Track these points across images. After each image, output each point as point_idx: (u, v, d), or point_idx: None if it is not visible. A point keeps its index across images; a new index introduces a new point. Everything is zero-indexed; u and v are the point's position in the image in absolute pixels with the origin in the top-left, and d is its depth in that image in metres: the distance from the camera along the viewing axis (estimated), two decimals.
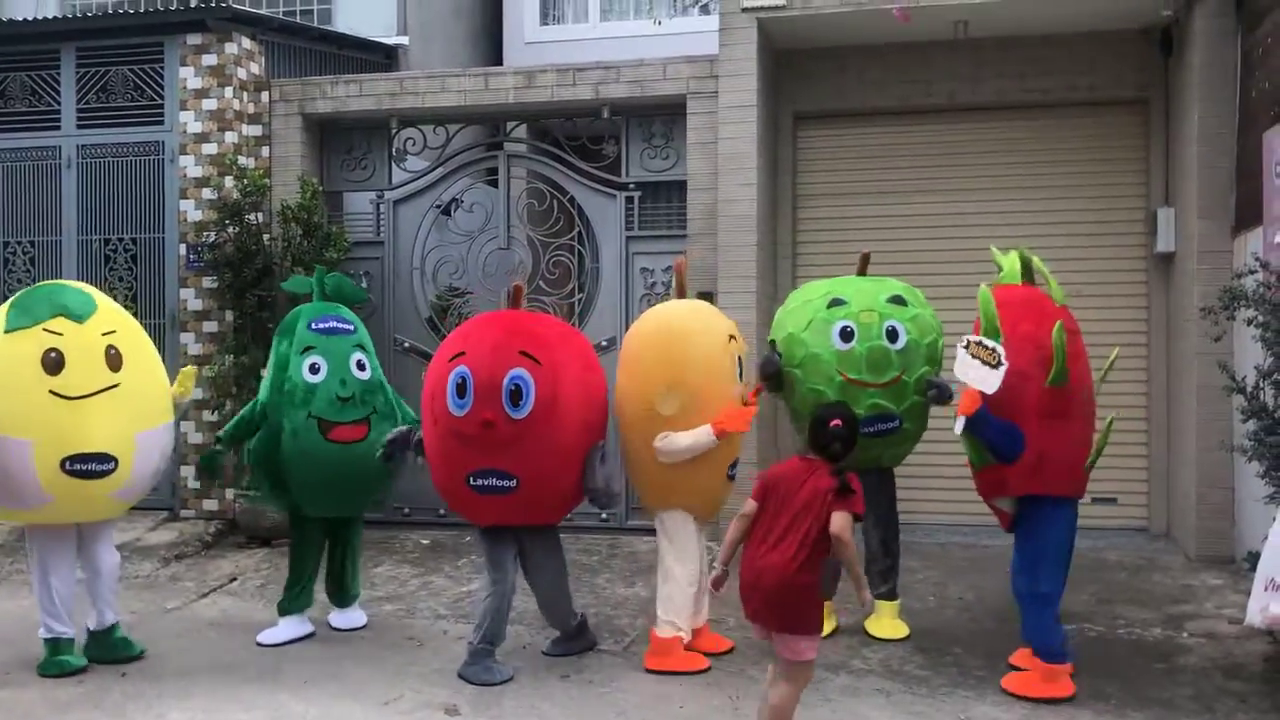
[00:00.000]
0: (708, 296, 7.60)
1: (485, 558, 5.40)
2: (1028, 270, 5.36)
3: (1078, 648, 5.29)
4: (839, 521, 3.96)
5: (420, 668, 5.41)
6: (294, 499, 5.91)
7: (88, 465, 5.11)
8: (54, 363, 5.08)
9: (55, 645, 5.40)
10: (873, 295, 5.70)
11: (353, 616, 6.17)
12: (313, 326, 5.90)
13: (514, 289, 5.61)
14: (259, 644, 5.83)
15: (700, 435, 5.23)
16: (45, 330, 5.13)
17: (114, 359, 5.25)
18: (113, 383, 5.21)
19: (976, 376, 4.89)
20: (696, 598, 5.45)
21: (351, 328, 6.02)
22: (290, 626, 5.95)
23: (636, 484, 5.71)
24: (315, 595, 6.10)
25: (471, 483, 5.15)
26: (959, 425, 4.96)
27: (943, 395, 5.60)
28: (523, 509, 5.24)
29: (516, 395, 5.05)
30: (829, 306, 5.68)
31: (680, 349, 5.33)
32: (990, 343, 4.92)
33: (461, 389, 5.08)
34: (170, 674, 5.34)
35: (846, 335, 5.57)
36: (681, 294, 5.73)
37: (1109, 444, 5.22)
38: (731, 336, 5.49)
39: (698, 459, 5.28)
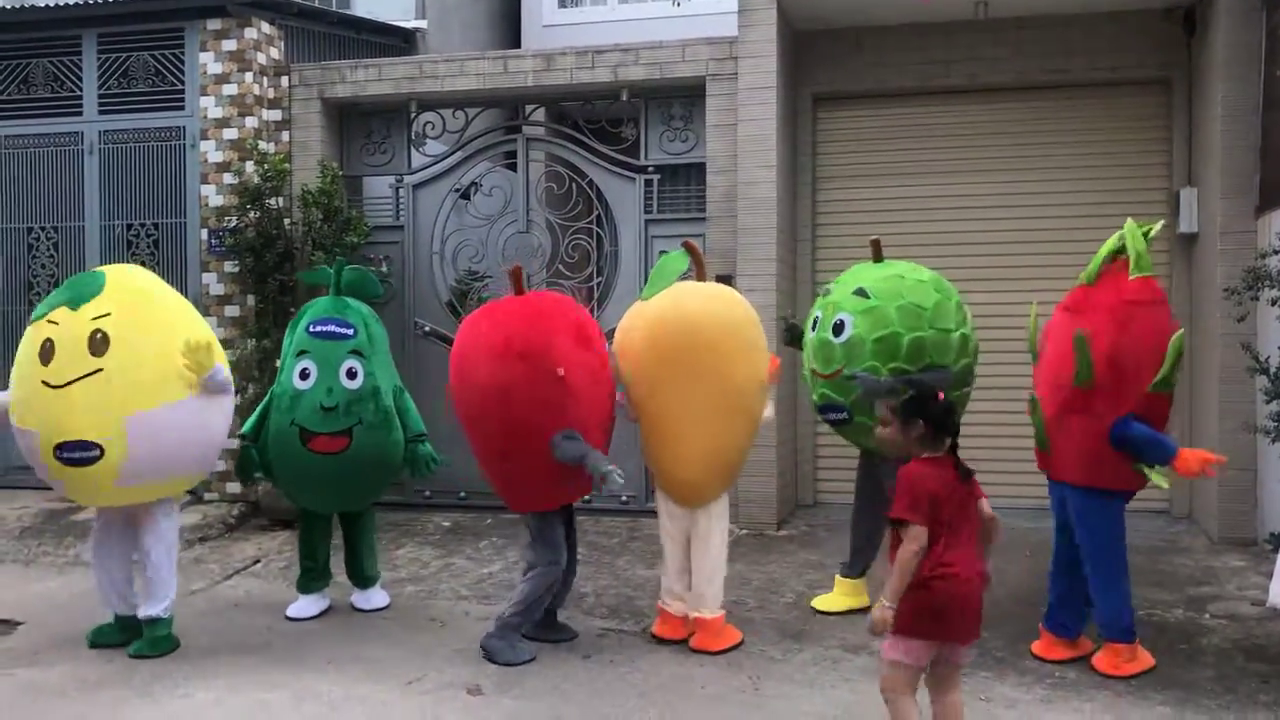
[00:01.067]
0: (728, 279, 7.63)
1: (548, 536, 5.30)
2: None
3: None
4: (989, 506, 3.84)
5: (443, 648, 5.44)
6: (285, 492, 6.07)
7: (72, 454, 5.04)
8: (46, 353, 5.09)
9: (99, 627, 5.57)
10: (849, 285, 5.69)
11: (375, 598, 6.21)
12: (311, 329, 5.83)
13: (514, 271, 5.43)
14: (289, 618, 5.96)
15: (771, 399, 5.59)
16: (48, 321, 5.16)
17: (99, 343, 5.08)
18: (94, 368, 5.05)
19: None
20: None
21: (350, 332, 5.84)
22: (311, 603, 6.07)
23: (725, 474, 5.43)
24: (335, 575, 6.20)
25: None
26: None
27: (868, 392, 5.31)
28: None
29: None
30: (822, 295, 5.87)
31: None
32: None
33: None
34: (196, 654, 5.39)
35: (814, 325, 5.75)
36: (702, 275, 5.73)
37: None
38: None
39: None
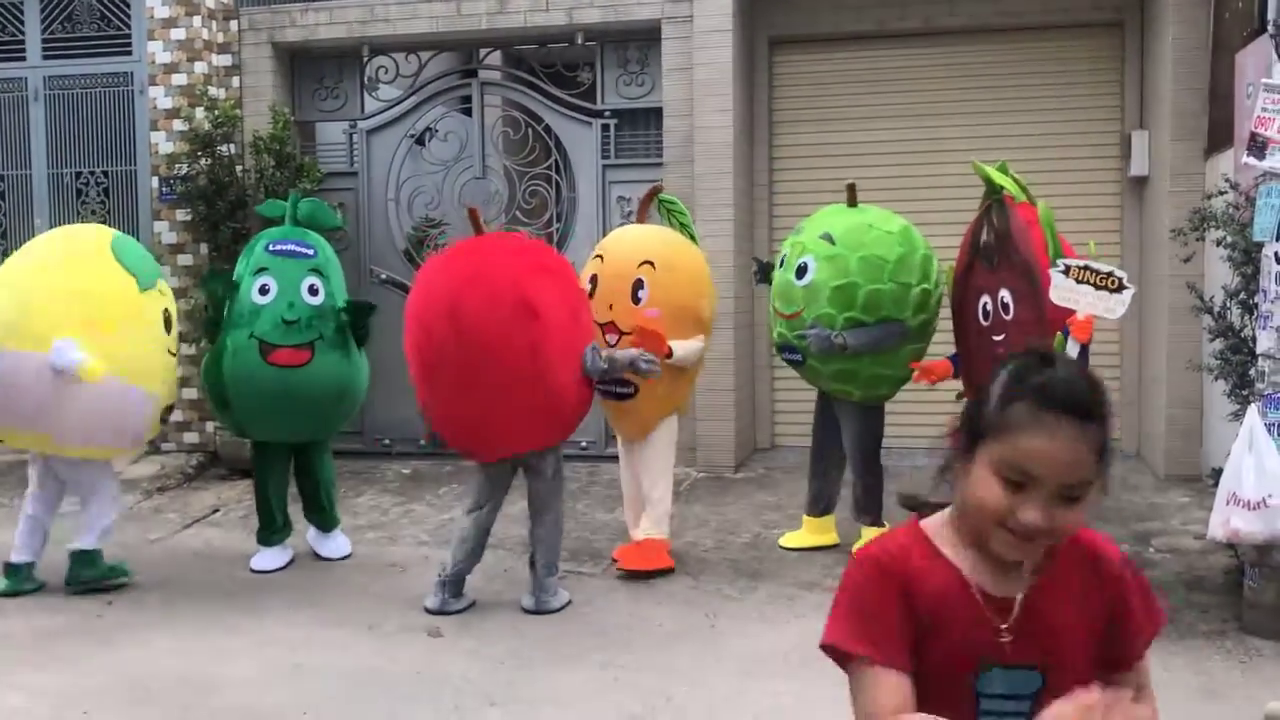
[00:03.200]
0: None
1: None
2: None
3: None
4: None
5: (404, 593, 5.49)
6: (237, 421, 5.85)
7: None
8: (168, 323, 5.59)
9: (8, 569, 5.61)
10: (816, 229, 5.74)
11: (337, 545, 6.20)
12: (270, 248, 5.79)
13: (470, 212, 5.34)
14: (253, 570, 5.91)
15: None
16: (159, 291, 5.60)
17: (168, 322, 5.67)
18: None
19: (1093, 303, 4.66)
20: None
21: (311, 252, 5.83)
22: (274, 555, 6.02)
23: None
24: (295, 527, 6.20)
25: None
26: (1074, 349, 4.65)
27: (818, 345, 5.50)
28: None
29: None
30: (794, 234, 5.95)
31: None
32: (1104, 266, 4.72)
33: None
34: (156, 603, 5.41)
35: (780, 262, 5.87)
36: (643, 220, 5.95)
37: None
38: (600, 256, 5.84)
39: None
